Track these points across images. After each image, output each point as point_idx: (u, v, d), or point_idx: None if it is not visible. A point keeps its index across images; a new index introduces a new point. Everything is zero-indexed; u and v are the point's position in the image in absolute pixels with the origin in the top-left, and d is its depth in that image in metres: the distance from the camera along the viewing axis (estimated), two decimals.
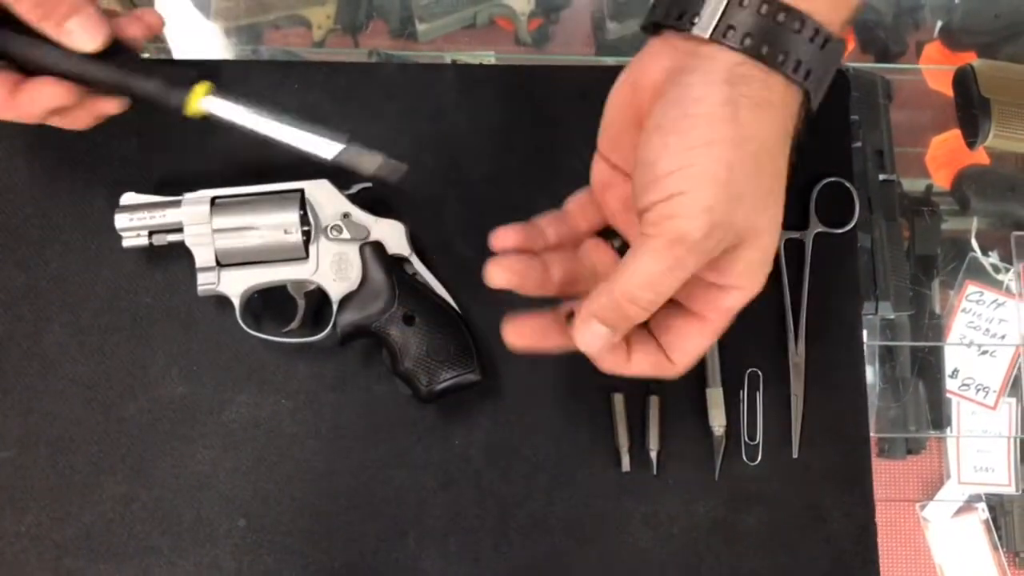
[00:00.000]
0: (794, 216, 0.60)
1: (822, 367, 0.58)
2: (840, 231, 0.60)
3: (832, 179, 0.60)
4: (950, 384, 0.98)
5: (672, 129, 0.42)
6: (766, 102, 0.42)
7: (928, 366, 0.96)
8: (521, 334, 0.48)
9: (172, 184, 0.57)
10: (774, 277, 0.59)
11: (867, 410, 0.58)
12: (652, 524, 0.57)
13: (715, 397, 0.57)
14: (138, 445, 0.57)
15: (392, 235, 0.57)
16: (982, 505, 1.25)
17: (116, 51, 0.49)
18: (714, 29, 0.42)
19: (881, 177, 0.76)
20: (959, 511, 1.29)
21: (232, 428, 0.57)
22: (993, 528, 1.26)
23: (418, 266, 0.57)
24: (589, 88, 0.61)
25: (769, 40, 0.42)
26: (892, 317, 0.84)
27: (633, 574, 0.56)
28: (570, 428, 0.58)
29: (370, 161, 0.51)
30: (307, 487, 0.57)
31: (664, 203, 0.42)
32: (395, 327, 0.55)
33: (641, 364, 0.46)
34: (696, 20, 0.43)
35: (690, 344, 0.46)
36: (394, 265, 0.56)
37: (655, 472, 0.57)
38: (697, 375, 0.58)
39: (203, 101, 0.50)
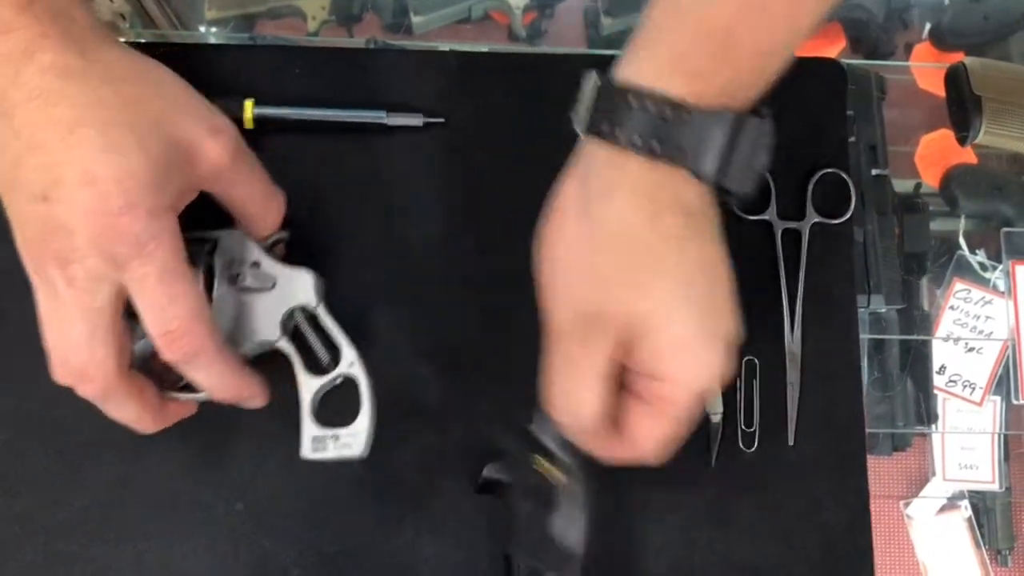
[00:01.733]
0: (791, 206, 0.61)
1: (818, 355, 0.59)
2: (836, 221, 0.60)
3: (828, 170, 0.61)
4: (937, 380, 1.00)
5: (541, 227, 0.47)
6: (614, 187, 0.43)
7: (916, 362, 0.97)
8: None
9: None
10: (770, 266, 0.60)
11: (862, 399, 0.59)
12: (647, 510, 0.57)
13: None
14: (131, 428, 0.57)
15: (300, 285, 0.53)
16: (965, 503, 1.27)
17: None
18: (587, 124, 0.45)
19: (874, 172, 0.77)
20: (942, 509, 1.31)
21: (229, 412, 0.57)
22: (976, 526, 1.28)
23: (325, 320, 0.54)
24: None
25: (604, 118, 0.43)
26: (883, 311, 0.85)
27: (627, 559, 0.56)
28: None
29: (414, 119, 0.59)
30: (305, 472, 0.56)
31: (542, 296, 0.46)
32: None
33: (618, 451, 0.46)
34: (575, 117, 0.46)
35: (644, 431, 0.45)
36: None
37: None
38: None
39: (257, 110, 0.58)
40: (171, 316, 0.46)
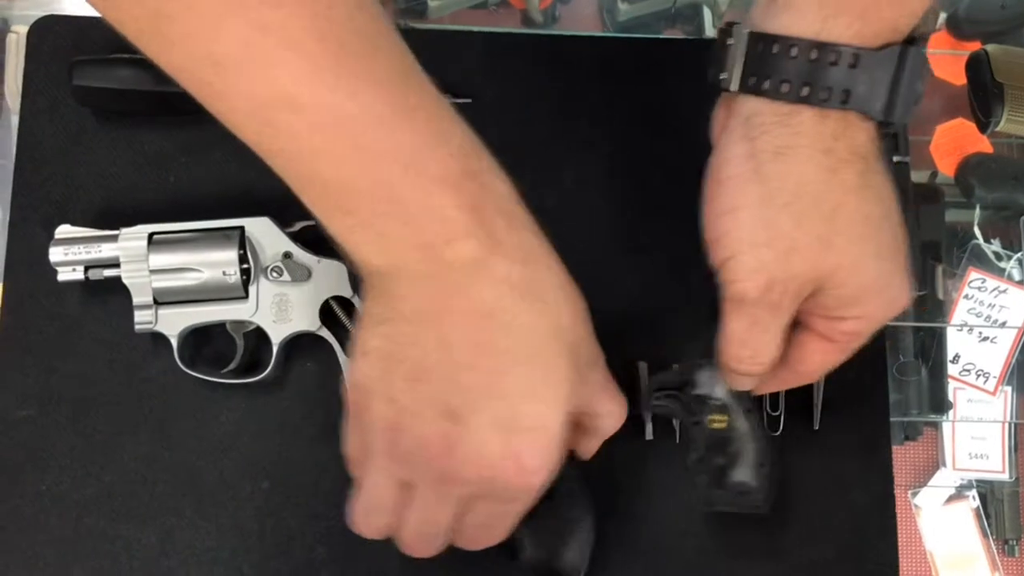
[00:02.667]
0: None
1: None
2: None
3: None
4: (951, 370, 1.00)
5: (709, 196, 0.45)
6: (788, 146, 0.42)
7: (930, 350, 0.97)
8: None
9: (110, 216, 0.56)
10: None
11: (887, 382, 0.59)
12: (674, 492, 0.57)
13: None
14: (160, 406, 0.57)
15: (334, 276, 0.55)
16: (973, 493, 1.27)
17: None
18: (740, 81, 0.43)
19: (895, 159, 0.76)
20: (950, 499, 1.31)
21: (256, 390, 0.57)
22: (983, 516, 1.28)
23: (360, 307, 0.55)
24: (613, 58, 0.61)
25: (763, 73, 0.42)
26: None
27: (656, 542, 0.56)
28: None
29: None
30: (331, 450, 0.56)
31: (722, 267, 0.44)
32: None
33: (786, 382, 0.49)
34: (724, 76, 0.44)
35: (818, 362, 0.47)
36: None
37: (678, 441, 0.57)
38: None
39: None
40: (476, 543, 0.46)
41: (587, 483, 0.53)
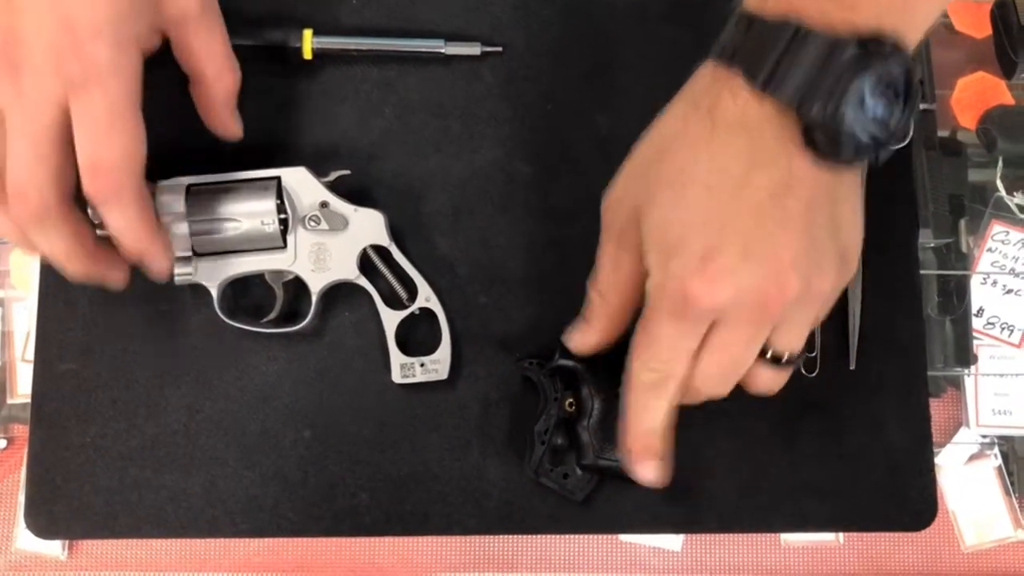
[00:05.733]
0: None
1: (879, 279, 0.59)
2: (897, 147, 0.60)
3: None
4: (975, 323, 1.00)
5: None
6: (677, 96, 0.47)
7: (954, 303, 0.97)
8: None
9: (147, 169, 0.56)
10: None
11: (923, 322, 0.59)
12: (711, 433, 0.57)
13: None
14: (202, 357, 0.57)
15: (371, 225, 0.56)
16: (995, 451, 1.27)
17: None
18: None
19: (922, 106, 0.76)
20: (972, 458, 1.31)
21: (296, 340, 0.57)
22: (1006, 474, 1.28)
23: (398, 257, 0.56)
24: (648, 6, 0.61)
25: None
26: (932, 245, 0.85)
27: (693, 483, 0.57)
28: None
29: (472, 48, 0.59)
30: (371, 398, 0.57)
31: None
32: None
33: None
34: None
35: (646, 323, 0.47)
36: None
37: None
38: None
39: (316, 40, 0.58)
40: (104, 149, 0.45)
41: None
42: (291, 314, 0.57)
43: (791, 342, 0.46)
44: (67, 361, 0.57)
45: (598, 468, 0.55)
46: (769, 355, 0.46)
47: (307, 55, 0.58)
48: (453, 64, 0.60)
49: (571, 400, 0.55)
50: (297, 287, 0.56)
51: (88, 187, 0.46)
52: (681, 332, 0.44)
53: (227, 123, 0.54)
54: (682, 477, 0.56)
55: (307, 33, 0.58)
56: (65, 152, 0.46)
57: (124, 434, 0.57)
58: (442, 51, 0.59)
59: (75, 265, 0.49)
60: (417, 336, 0.57)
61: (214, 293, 0.55)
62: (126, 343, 0.57)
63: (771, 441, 0.57)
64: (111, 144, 0.46)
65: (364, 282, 0.56)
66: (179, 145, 0.57)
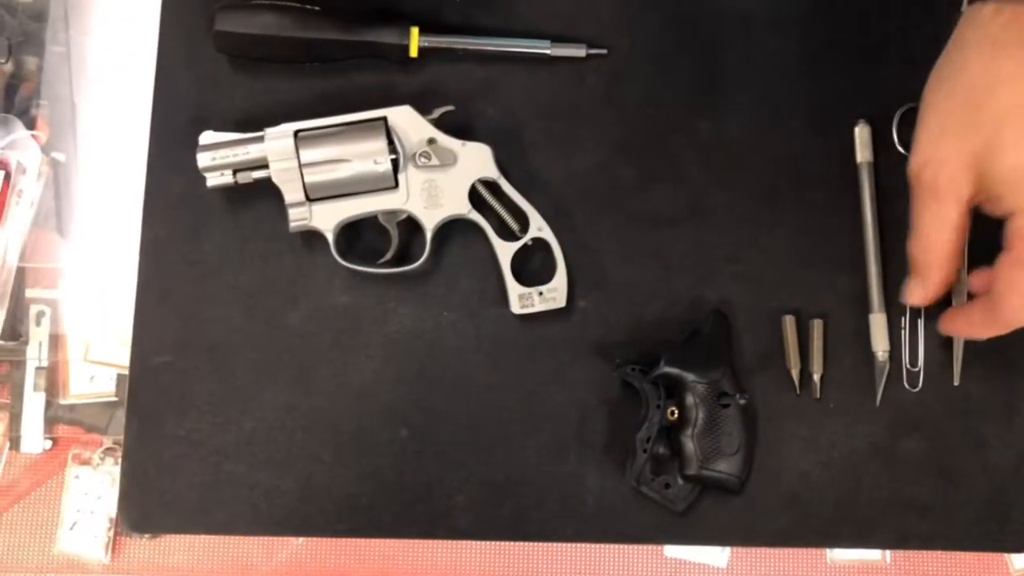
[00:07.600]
0: None
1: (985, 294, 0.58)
2: None
3: None
4: None
5: None
6: (961, 40, 0.46)
7: None
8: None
9: (248, 122, 0.56)
10: None
11: None
12: (813, 448, 0.56)
13: (878, 322, 0.57)
14: (299, 354, 0.57)
15: (479, 159, 0.56)
16: None
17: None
18: None
19: None
20: None
21: (395, 339, 0.57)
22: None
23: (507, 189, 0.56)
24: (753, 13, 0.60)
25: None
26: None
27: (793, 497, 0.56)
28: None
29: (578, 50, 0.59)
30: (469, 400, 0.57)
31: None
32: None
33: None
34: None
35: (1013, 298, 0.47)
36: None
37: (817, 396, 0.57)
38: (860, 301, 0.57)
39: (422, 39, 0.57)
40: None
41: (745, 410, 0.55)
42: (403, 257, 0.57)
43: None
44: (163, 354, 0.57)
45: (701, 479, 0.54)
46: None
47: (413, 53, 0.58)
48: (558, 65, 0.59)
49: (674, 408, 0.54)
50: (409, 228, 0.56)
51: None
52: None
53: None
54: (781, 491, 0.56)
55: (414, 31, 0.58)
56: None
57: (220, 429, 0.56)
58: (547, 52, 0.59)
59: None
60: (531, 267, 0.57)
61: (330, 237, 0.55)
62: (223, 337, 0.57)
63: (871, 456, 0.56)
64: None
65: (476, 216, 0.55)
66: (279, 98, 0.59)
